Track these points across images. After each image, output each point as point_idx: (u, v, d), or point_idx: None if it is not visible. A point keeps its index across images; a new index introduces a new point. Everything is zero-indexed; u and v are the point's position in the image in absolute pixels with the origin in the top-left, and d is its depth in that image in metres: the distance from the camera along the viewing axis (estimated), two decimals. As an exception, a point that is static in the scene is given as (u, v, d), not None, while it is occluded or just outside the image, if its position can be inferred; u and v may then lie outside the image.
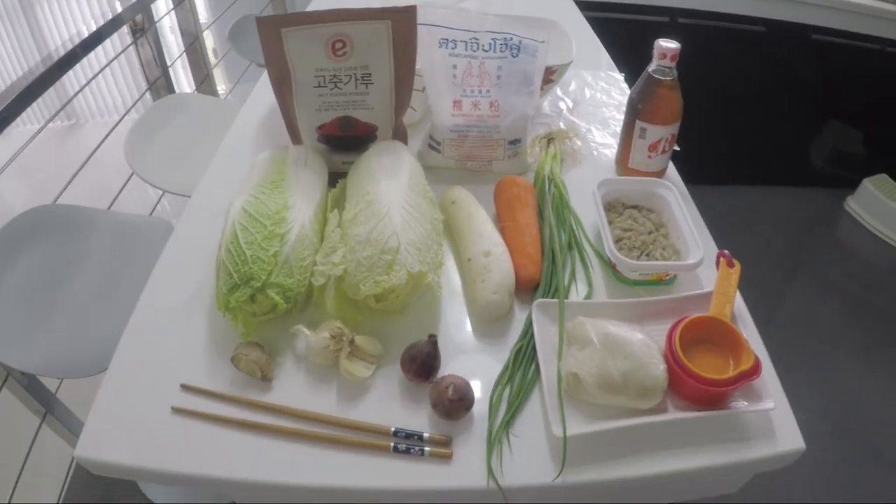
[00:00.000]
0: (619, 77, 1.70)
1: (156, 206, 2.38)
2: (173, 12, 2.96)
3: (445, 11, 1.14)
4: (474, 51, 1.16)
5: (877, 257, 3.10)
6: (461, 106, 1.17)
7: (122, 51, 2.76)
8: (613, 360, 0.84)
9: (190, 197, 1.24)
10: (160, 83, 2.81)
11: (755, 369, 0.82)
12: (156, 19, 2.71)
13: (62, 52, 1.92)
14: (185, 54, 3.04)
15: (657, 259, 1.05)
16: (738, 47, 2.90)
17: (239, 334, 0.91)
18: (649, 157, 1.24)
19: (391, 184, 0.98)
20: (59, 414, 1.63)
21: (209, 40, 3.66)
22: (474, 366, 0.92)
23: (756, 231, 3.14)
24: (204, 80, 3.01)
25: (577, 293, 1.03)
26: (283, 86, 1.09)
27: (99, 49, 3.20)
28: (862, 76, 3.01)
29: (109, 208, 2.13)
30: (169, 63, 2.78)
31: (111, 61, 2.85)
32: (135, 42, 2.63)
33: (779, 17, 2.85)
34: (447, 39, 1.15)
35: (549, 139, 1.31)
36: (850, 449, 2.19)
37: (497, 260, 0.97)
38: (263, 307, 0.90)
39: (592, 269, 1.07)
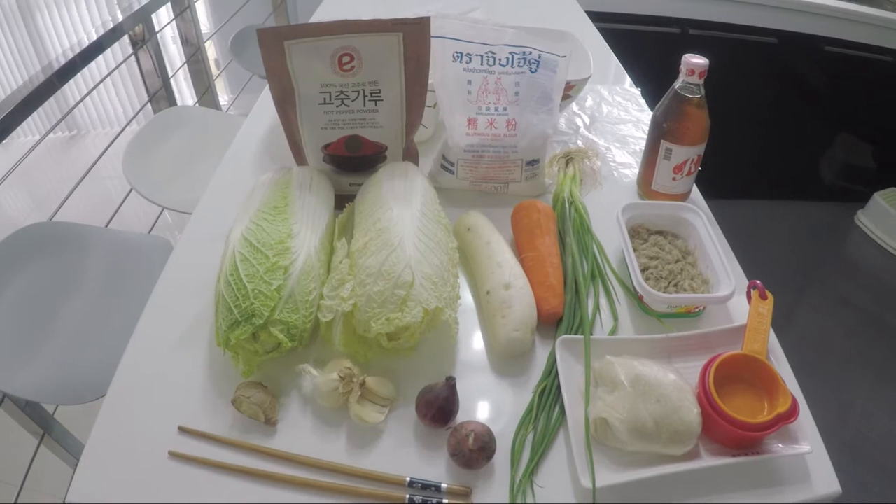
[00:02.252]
0: (636, 92, 1.62)
1: (156, 221, 2.30)
2: (175, 22, 2.88)
3: (460, 24, 1.06)
4: (490, 65, 1.08)
5: (888, 272, 3.02)
6: (476, 124, 1.09)
7: (123, 61, 2.69)
8: (645, 404, 0.77)
9: (191, 214, 1.17)
10: (161, 95, 2.73)
11: (793, 411, 0.77)
12: (157, 29, 2.64)
13: (62, 62, 1.87)
14: (186, 65, 2.97)
15: (686, 290, 0.97)
16: (750, 60, 2.83)
17: (240, 373, 0.83)
18: (674, 179, 1.16)
19: (403, 210, 0.90)
20: (58, 435, 1.56)
21: (211, 51, 3.60)
22: (494, 408, 0.85)
23: (765, 247, 3.06)
24: (206, 92, 2.93)
25: (602, 327, 0.95)
26: (286, 102, 1.01)
27: (100, 59, 3.15)
28: (874, 88, 2.94)
29: (108, 224, 2.08)
30: (170, 74, 2.70)
31: (111, 72, 2.77)
32: (135, 53, 2.55)
33: (792, 29, 2.77)
34: (461, 53, 1.08)
35: (568, 159, 1.23)
36: (861, 468, 2.13)
37: (518, 293, 0.89)
38: (266, 345, 0.83)
39: (618, 300, 0.99)
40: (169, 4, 2.81)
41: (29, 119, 3.74)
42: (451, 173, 1.13)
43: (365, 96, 1.00)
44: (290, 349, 0.84)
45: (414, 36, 0.96)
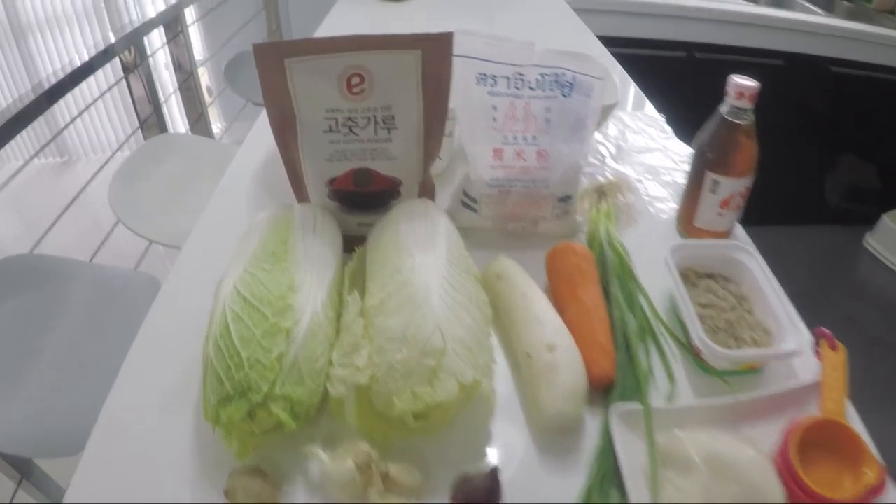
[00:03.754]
0: (660, 118, 1.47)
1: (146, 252, 2.14)
2: (167, 47, 2.73)
3: (484, 40, 0.90)
4: (518, 89, 0.93)
5: (898, 295, 2.87)
6: (502, 155, 0.93)
7: (112, 86, 2.54)
8: (724, 488, 0.64)
9: (180, 249, 1.03)
10: (152, 121, 2.57)
11: (883, 483, 0.66)
12: (149, 54, 2.48)
13: (52, 82, 1.75)
14: (178, 92, 2.81)
15: (746, 341, 0.82)
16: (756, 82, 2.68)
17: (234, 454, 0.67)
18: (720, 214, 1.01)
19: (427, 259, 0.74)
20: (36, 480, 1.42)
21: (204, 77, 3.45)
22: (542, 494, 0.68)
23: (773, 273, 2.90)
24: (198, 120, 2.77)
25: (657, 390, 0.79)
26: (285, 129, 0.85)
27: (91, 83, 3.01)
28: (880, 108, 2.80)
29: (95, 255, 1.94)
30: (162, 100, 2.54)
31: (99, 97, 2.64)
32: (126, 77, 2.39)
33: (799, 51, 2.64)
34: (486, 75, 0.92)
35: (600, 193, 1.07)
36: None
37: (565, 356, 0.73)
38: (265, 424, 0.66)
39: (673, 358, 0.83)
40: (162, 29, 2.66)
41: (20, 143, 3.66)
42: (474, 211, 0.97)
43: (377, 123, 0.84)
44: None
45: (434, 54, 0.81)
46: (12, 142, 3.61)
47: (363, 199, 0.90)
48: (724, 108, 0.96)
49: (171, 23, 2.67)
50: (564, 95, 0.95)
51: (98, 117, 4.09)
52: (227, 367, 0.65)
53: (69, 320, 1.39)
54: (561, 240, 0.94)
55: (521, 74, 0.93)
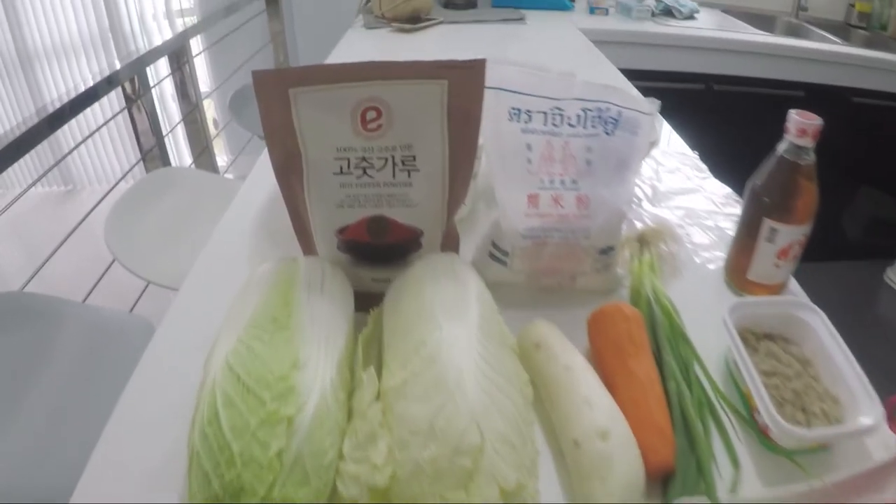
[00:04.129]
0: (693, 155, 1.35)
1: (145, 288, 2.01)
2: (173, 78, 2.63)
3: (519, 71, 0.78)
4: (556, 125, 0.81)
5: (921, 330, 2.74)
6: (538, 202, 0.81)
7: (113, 116, 2.43)
8: None
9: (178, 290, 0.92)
10: (155, 154, 2.46)
11: None
12: (153, 83, 2.38)
13: (51, 109, 1.65)
14: (183, 124, 2.70)
15: (816, 414, 0.70)
16: (776, 114, 2.57)
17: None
18: (776, 265, 0.89)
19: (457, 329, 0.61)
20: None
21: (210, 110, 3.35)
22: None
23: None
24: (202, 153, 2.66)
25: (721, 478, 0.66)
26: (289, 171, 0.73)
27: (97, 112, 2.91)
28: (899, 138, 2.68)
29: (89, 296, 1.83)
30: (165, 132, 2.43)
31: (99, 128, 2.51)
32: (128, 108, 2.28)
33: (820, 81, 2.53)
34: (520, 110, 0.80)
35: (642, 242, 0.95)
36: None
37: (620, 444, 0.60)
38: (259, 533, 0.53)
39: (738, 438, 0.70)
40: (167, 59, 2.56)
41: (25, 173, 3.57)
42: (504, 265, 0.85)
43: (395, 165, 0.72)
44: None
45: (463, 85, 0.69)
46: (17, 170, 3.55)
47: (379, 252, 0.78)
48: (782, 147, 0.84)
49: (177, 53, 2.56)
50: (607, 133, 0.83)
51: (104, 147, 4.01)
52: (216, 462, 0.53)
53: (57, 366, 1.27)
54: (601, 295, 0.82)
55: (559, 109, 0.81)
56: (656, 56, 2.52)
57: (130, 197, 1.67)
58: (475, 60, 0.68)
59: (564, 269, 0.85)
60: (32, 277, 1.70)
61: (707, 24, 2.68)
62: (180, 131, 3.03)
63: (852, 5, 2.97)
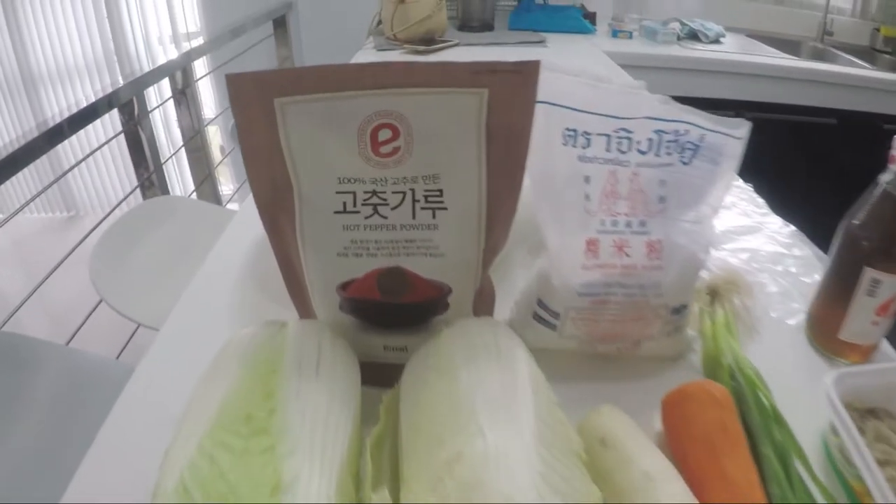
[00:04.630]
0: (748, 187, 1.16)
1: (133, 336, 1.83)
2: (175, 102, 2.45)
3: (576, 81, 0.59)
4: (623, 152, 0.62)
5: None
6: (598, 250, 0.61)
7: (111, 139, 2.25)
8: None
9: None
10: (155, 181, 2.28)
11: None
12: (153, 106, 2.21)
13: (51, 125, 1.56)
14: (185, 151, 2.51)
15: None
16: (808, 141, 2.38)
17: None
18: (874, 323, 0.69)
19: (507, 437, 0.41)
20: None
21: (216, 136, 3.18)
22: None
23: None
24: (205, 181, 2.47)
25: None
26: (276, 209, 0.54)
27: (101, 136, 2.76)
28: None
29: (73, 338, 1.66)
30: (163, 159, 2.25)
31: (98, 148, 2.38)
32: (125, 130, 2.11)
33: (852, 108, 2.34)
34: (576, 131, 0.61)
35: (713, 295, 0.75)
36: None
37: None
38: None
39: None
40: (168, 81, 2.39)
41: (27, 196, 3.44)
42: (552, 329, 0.65)
43: (416, 201, 0.53)
44: None
45: (508, 96, 0.50)
46: (20, 195, 3.39)
47: (393, 314, 0.58)
48: (886, 178, 0.65)
49: (180, 76, 2.39)
50: (684, 162, 0.63)
51: (107, 173, 3.86)
52: None
53: (34, 413, 1.14)
54: (667, 363, 0.62)
55: (626, 131, 0.61)
56: (683, 81, 2.34)
57: (119, 229, 1.49)
58: (526, 63, 0.49)
59: (628, 334, 0.65)
60: (6, 322, 1.52)
61: (734, 49, 2.50)
62: (185, 158, 2.87)
63: (877, 30, 2.80)
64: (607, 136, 0.61)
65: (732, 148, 0.64)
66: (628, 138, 0.62)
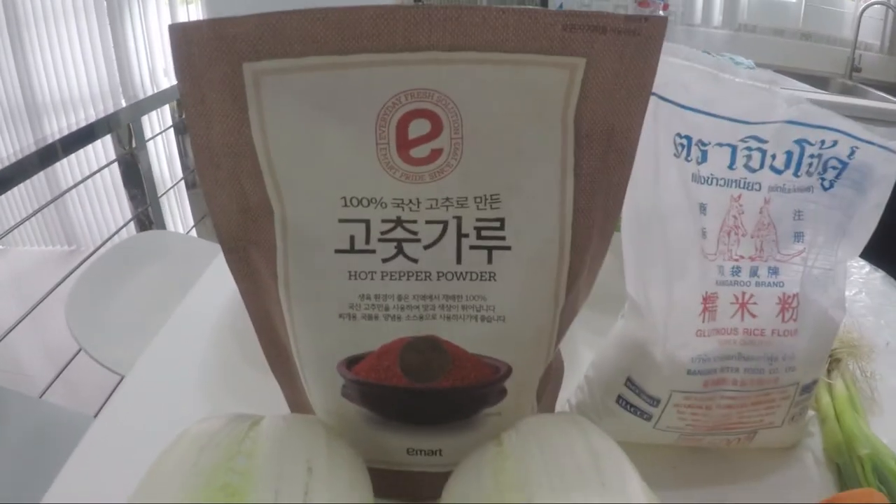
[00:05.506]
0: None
1: (117, 387, 1.62)
2: (175, 132, 2.28)
3: (691, 69, 0.39)
4: (753, 170, 0.42)
5: None
6: (716, 308, 0.41)
7: (102, 168, 2.09)
8: None
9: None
10: (152, 215, 2.10)
11: None
12: (149, 136, 2.04)
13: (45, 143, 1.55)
14: (185, 185, 2.34)
15: None
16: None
17: None
18: None
19: None
20: None
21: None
22: None
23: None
24: (205, 217, 2.28)
25: None
26: (246, 242, 0.35)
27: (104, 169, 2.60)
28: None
29: (47, 390, 1.50)
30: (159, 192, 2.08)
31: (94, 174, 2.23)
32: (117, 159, 1.94)
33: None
34: (689, 139, 0.41)
35: (832, 362, 0.56)
36: None
37: None
38: None
39: None
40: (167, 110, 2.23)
41: (29, 229, 3.29)
42: (646, 419, 0.44)
43: (463, 236, 0.33)
44: None
45: (613, 71, 0.30)
46: (21, 228, 3.23)
47: (424, 406, 0.38)
48: None
49: (180, 106, 2.23)
50: (825, 186, 0.44)
51: (109, 207, 3.66)
52: None
53: None
54: (779, 454, 0.43)
55: (759, 140, 0.42)
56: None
57: (101, 267, 1.30)
58: (647, 18, 0.30)
59: (745, 422, 0.45)
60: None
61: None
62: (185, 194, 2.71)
63: (907, 65, 2.64)
64: (731, 146, 0.41)
65: (886, 168, 0.44)
66: (761, 150, 0.42)
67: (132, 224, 2.15)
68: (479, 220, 0.33)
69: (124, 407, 0.57)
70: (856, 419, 0.51)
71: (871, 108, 2.11)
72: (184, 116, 0.32)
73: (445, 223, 0.33)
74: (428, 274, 0.34)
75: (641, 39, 0.30)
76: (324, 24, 0.28)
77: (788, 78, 2.47)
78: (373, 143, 0.31)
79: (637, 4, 2.50)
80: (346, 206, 0.32)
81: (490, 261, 0.34)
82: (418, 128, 0.30)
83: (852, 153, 0.44)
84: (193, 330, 0.66)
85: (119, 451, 0.50)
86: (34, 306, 1.54)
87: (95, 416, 1.49)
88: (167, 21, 3.22)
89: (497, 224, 0.33)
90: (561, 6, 2.53)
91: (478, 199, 0.33)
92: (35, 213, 2.55)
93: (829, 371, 0.57)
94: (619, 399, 0.44)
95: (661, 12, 2.51)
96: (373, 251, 0.33)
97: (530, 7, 0.29)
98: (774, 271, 0.43)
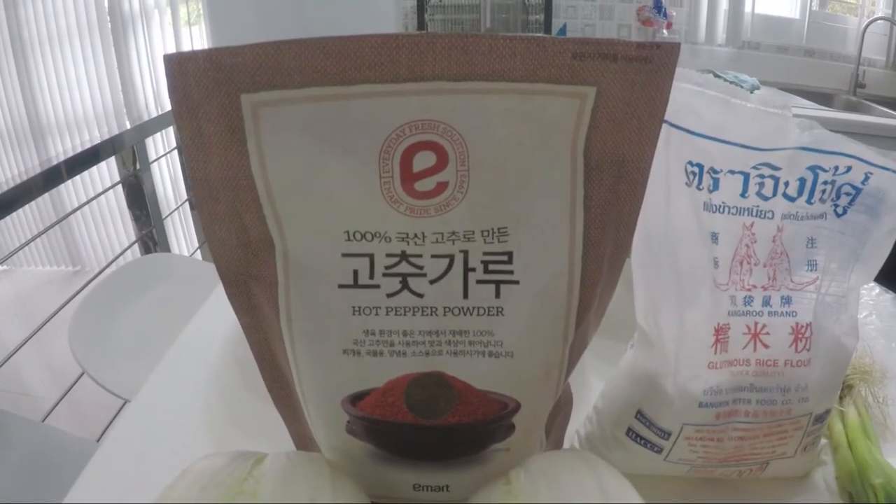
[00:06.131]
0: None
1: (121, 409, 1.61)
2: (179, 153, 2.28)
3: (702, 95, 0.38)
4: (765, 198, 0.40)
5: None
6: (728, 340, 0.40)
7: (106, 189, 2.08)
8: None
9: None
10: (156, 237, 2.09)
11: None
12: (154, 156, 2.04)
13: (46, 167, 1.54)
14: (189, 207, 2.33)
15: None
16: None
17: None
18: None
19: None
20: None
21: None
22: None
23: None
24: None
25: None
26: (247, 277, 0.34)
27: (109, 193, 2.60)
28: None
29: (49, 414, 1.47)
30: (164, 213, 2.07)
31: (97, 196, 2.22)
32: (121, 181, 1.93)
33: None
34: (701, 167, 0.40)
35: (845, 387, 0.55)
36: None
37: None
38: None
39: None
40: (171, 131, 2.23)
41: (33, 250, 3.30)
42: (656, 452, 0.42)
43: (470, 270, 0.32)
44: None
45: (624, 100, 0.29)
46: (26, 248, 3.24)
47: (430, 442, 0.37)
48: None
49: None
50: (838, 213, 0.43)
51: (114, 228, 3.66)
52: None
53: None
54: (790, 483, 0.42)
55: (772, 168, 0.41)
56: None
57: (104, 291, 1.30)
58: (659, 45, 0.29)
59: (757, 454, 0.44)
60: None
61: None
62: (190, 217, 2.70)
63: (911, 81, 2.64)
64: (744, 174, 0.40)
65: (898, 194, 0.43)
66: (774, 178, 0.41)
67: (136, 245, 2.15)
68: (486, 253, 0.32)
69: (128, 435, 0.56)
70: (868, 447, 0.50)
71: (876, 125, 2.10)
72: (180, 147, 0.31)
73: (452, 257, 0.32)
74: (434, 309, 0.33)
75: (653, 67, 0.29)
76: (324, 53, 0.27)
77: (793, 95, 2.48)
78: (376, 176, 0.30)
79: (641, 23, 2.51)
80: (349, 240, 0.31)
81: (498, 295, 0.33)
82: (423, 160, 0.30)
83: (866, 179, 0.43)
84: (197, 357, 0.65)
85: (122, 480, 0.49)
86: (39, 327, 1.53)
87: (98, 440, 1.48)
88: (171, 42, 3.23)
89: (505, 258, 0.32)
90: (564, 26, 2.53)
91: (485, 233, 0.32)
92: (40, 234, 2.56)
93: (841, 398, 0.56)
94: (629, 431, 0.43)
95: (664, 31, 2.51)
96: (377, 286, 0.32)
97: (538, 35, 0.28)
98: (787, 300, 0.41)
